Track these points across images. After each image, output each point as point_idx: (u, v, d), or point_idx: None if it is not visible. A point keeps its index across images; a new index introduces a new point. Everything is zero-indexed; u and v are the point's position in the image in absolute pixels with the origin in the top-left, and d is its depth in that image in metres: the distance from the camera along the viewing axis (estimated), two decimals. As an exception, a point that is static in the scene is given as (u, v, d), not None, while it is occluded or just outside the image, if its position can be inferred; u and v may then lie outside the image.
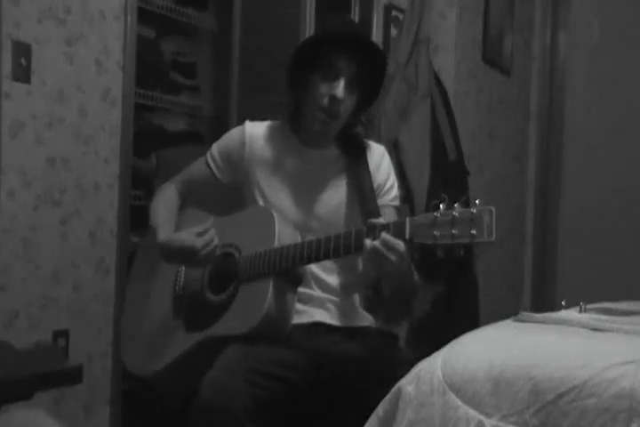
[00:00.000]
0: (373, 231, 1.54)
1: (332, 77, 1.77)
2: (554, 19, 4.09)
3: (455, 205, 1.44)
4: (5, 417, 1.60)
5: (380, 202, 1.86)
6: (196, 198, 2.01)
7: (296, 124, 1.89)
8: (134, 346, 1.97)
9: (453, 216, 1.42)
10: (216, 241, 1.79)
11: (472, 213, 1.40)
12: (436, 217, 1.45)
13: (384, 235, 1.51)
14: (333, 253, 1.63)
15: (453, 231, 1.41)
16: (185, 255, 1.79)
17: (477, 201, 1.42)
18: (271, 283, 1.69)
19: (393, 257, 1.51)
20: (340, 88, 1.76)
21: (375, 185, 1.87)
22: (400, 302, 1.82)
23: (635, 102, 3.94)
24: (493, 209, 1.39)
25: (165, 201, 1.97)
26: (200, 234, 1.78)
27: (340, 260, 1.84)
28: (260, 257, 1.73)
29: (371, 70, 1.82)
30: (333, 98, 1.77)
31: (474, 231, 1.39)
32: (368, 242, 1.53)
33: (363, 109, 1.90)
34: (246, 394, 1.55)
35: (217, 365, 1.61)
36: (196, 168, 1.98)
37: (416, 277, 1.74)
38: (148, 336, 1.92)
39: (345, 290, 1.87)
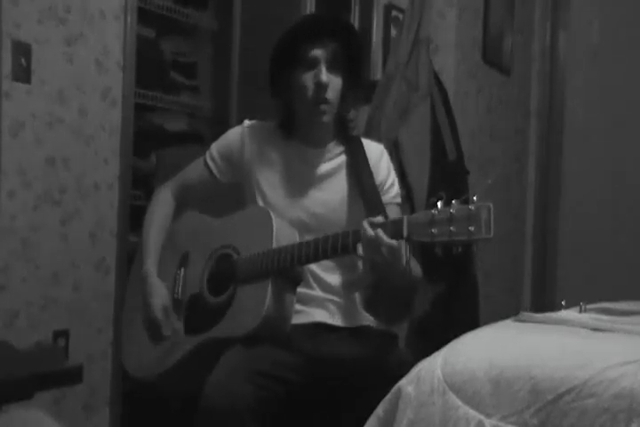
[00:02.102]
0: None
1: (312, 66, 1.78)
2: (554, 19, 4.08)
3: (453, 202, 1.44)
4: (5, 417, 1.60)
5: (383, 200, 1.85)
6: (194, 199, 2.01)
7: (291, 127, 1.89)
8: (134, 349, 1.97)
9: (451, 213, 1.42)
10: (174, 327, 1.84)
11: (470, 209, 1.40)
12: (433, 215, 1.44)
13: (378, 231, 1.52)
14: (331, 252, 1.63)
15: (451, 228, 1.41)
16: (145, 304, 1.88)
17: (475, 197, 1.41)
18: (270, 284, 1.69)
19: (385, 253, 1.51)
20: (322, 73, 1.77)
21: (377, 183, 1.86)
22: (400, 301, 1.82)
23: (635, 102, 3.94)
24: (491, 205, 1.39)
25: (160, 209, 1.98)
26: (166, 310, 1.85)
27: (339, 259, 1.83)
28: (258, 258, 1.72)
29: (348, 47, 1.82)
30: (319, 84, 1.78)
31: (472, 228, 1.38)
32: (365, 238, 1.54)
33: (351, 90, 1.88)
34: (250, 395, 1.55)
35: (220, 366, 1.61)
36: (195, 169, 1.98)
37: (416, 274, 1.74)
38: (147, 340, 1.92)
39: (345, 289, 1.87)
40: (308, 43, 1.78)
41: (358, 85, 1.93)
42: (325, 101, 1.80)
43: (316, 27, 1.80)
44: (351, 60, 1.85)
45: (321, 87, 1.78)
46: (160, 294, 1.86)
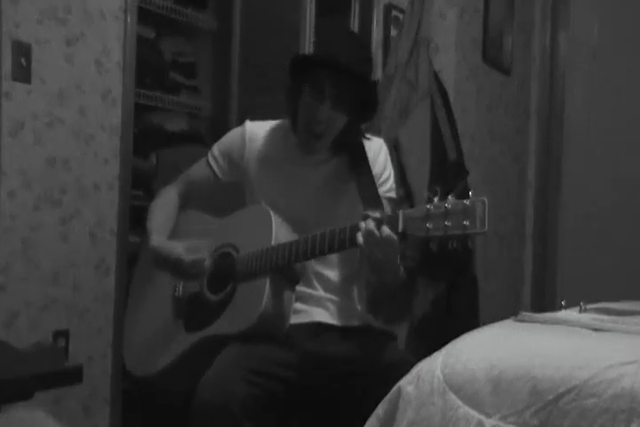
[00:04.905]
0: None
1: (318, 98, 1.76)
2: (554, 19, 4.09)
3: (449, 197, 1.44)
4: (5, 417, 1.60)
5: None
6: (197, 199, 2.02)
7: (295, 128, 1.89)
8: (135, 347, 1.97)
9: (446, 208, 1.42)
10: (206, 260, 1.80)
11: (464, 204, 1.40)
12: (428, 209, 1.45)
13: (376, 223, 1.51)
14: (329, 248, 1.64)
15: (446, 223, 1.41)
16: (172, 267, 1.83)
17: (470, 192, 1.41)
18: (268, 281, 1.69)
19: (383, 245, 1.51)
20: (321, 111, 1.76)
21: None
22: (388, 297, 1.82)
23: (635, 102, 3.94)
24: (486, 200, 1.39)
25: (164, 204, 1.98)
26: (191, 250, 1.80)
27: (340, 254, 1.83)
28: (257, 256, 1.73)
29: (360, 89, 1.78)
30: (314, 119, 1.77)
31: (466, 222, 1.39)
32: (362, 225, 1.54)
33: (360, 121, 1.88)
34: (244, 393, 1.55)
35: (215, 364, 1.62)
36: (198, 169, 2.00)
37: (402, 271, 1.74)
38: (148, 337, 1.93)
39: (345, 284, 1.87)
40: (321, 74, 1.75)
41: (364, 123, 1.92)
42: (318, 136, 1.80)
43: (334, 62, 1.74)
44: (362, 101, 1.81)
45: (316, 122, 1.77)
46: (177, 251, 1.81)
